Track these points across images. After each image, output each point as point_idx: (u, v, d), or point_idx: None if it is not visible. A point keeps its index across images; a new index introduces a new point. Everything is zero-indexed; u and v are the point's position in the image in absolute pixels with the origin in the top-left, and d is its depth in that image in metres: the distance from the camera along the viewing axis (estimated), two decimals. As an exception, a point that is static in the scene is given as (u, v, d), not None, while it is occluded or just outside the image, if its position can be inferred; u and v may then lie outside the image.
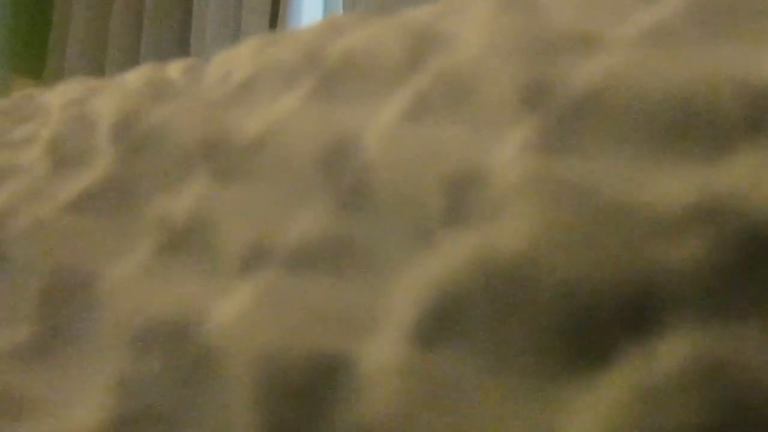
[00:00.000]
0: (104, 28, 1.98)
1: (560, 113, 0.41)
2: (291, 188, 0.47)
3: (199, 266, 0.47)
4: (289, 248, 0.44)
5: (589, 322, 0.35)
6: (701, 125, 0.38)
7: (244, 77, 0.55)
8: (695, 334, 0.34)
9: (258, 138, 0.49)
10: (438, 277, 0.38)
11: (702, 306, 0.34)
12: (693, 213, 0.36)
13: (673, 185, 0.37)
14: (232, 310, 0.43)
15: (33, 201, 0.54)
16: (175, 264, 0.47)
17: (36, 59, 2.10)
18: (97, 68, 1.98)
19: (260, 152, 0.49)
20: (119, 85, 0.64)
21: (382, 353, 0.38)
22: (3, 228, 0.53)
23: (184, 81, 0.62)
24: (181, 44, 1.90)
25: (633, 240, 0.36)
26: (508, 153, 0.41)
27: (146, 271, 0.48)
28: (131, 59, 1.91)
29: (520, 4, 0.49)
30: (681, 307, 0.35)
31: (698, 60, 0.40)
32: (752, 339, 0.33)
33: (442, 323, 0.38)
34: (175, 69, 0.67)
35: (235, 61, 0.60)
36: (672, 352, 0.34)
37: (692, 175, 0.37)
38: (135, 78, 0.64)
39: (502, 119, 0.42)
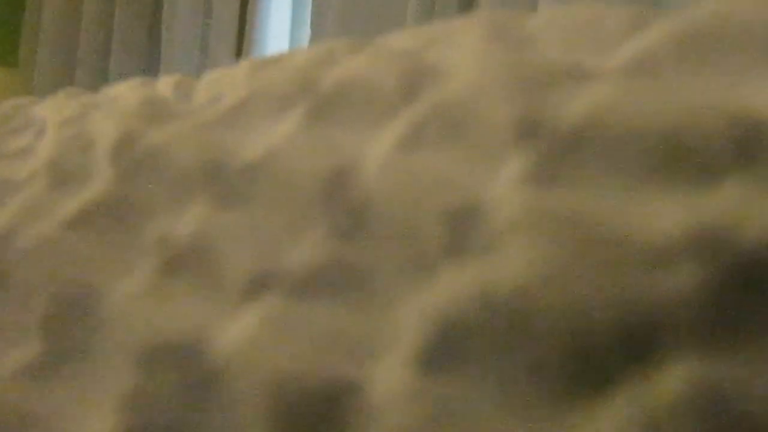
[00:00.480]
0: (76, 19, 1.98)
1: (553, 147, 0.42)
2: (291, 214, 0.48)
3: (203, 288, 0.48)
4: (292, 274, 0.45)
5: (589, 352, 0.37)
6: (690, 156, 0.40)
7: (238, 99, 0.56)
8: (692, 363, 0.35)
9: (256, 162, 0.50)
10: (441, 307, 0.40)
11: (698, 335, 0.36)
12: (685, 243, 0.37)
13: (665, 216, 0.38)
14: (239, 334, 0.44)
15: (34, 219, 0.55)
16: (179, 285, 0.48)
17: (10, 49, 2.10)
18: (69, 59, 1.97)
19: (259, 177, 0.50)
20: (114, 102, 0.64)
21: (388, 379, 0.40)
22: (6, 247, 0.54)
23: (175, 99, 0.63)
24: (151, 31, 1.90)
25: (628, 271, 0.37)
26: (504, 186, 0.42)
27: (150, 291, 0.49)
28: (102, 50, 1.91)
29: (506, 35, 0.50)
30: (677, 336, 0.36)
31: (684, 91, 0.42)
32: (749, 366, 0.35)
33: (446, 351, 0.39)
34: (165, 85, 0.68)
35: (227, 82, 0.61)
36: (670, 381, 0.35)
37: (683, 206, 0.38)
38: (129, 95, 0.64)
39: (497, 152, 0.44)
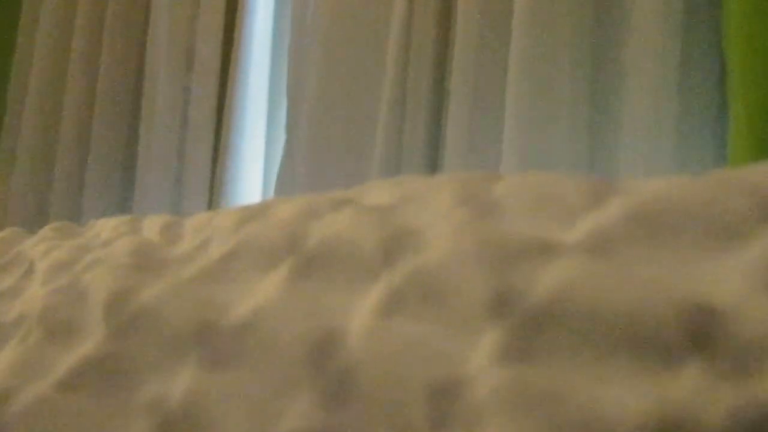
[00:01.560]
0: (54, 130, 2.01)
1: (524, 323, 0.45)
2: (279, 378, 0.50)
3: None
4: None
5: None
6: (649, 340, 0.42)
7: (226, 252, 0.58)
8: None
9: (244, 323, 0.53)
10: None
11: None
12: (647, 429, 0.40)
13: (631, 400, 0.41)
14: None
15: (29, 378, 0.57)
16: None
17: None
18: (46, 175, 2.00)
19: (247, 338, 0.52)
20: (104, 249, 0.66)
21: None
22: (4, 410, 0.55)
23: (163, 244, 0.64)
24: (127, 145, 1.93)
25: None
26: (480, 361, 0.45)
27: None
28: (78, 165, 1.93)
29: (475, 200, 0.53)
30: None
31: (638, 273, 0.45)
32: None
33: None
34: (152, 228, 0.70)
35: (213, 229, 0.63)
36: None
37: (646, 391, 0.41)
38: (117, 241, 0.66)
39: (472, 324, 0.46)
